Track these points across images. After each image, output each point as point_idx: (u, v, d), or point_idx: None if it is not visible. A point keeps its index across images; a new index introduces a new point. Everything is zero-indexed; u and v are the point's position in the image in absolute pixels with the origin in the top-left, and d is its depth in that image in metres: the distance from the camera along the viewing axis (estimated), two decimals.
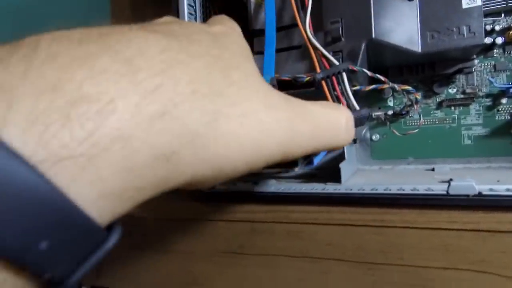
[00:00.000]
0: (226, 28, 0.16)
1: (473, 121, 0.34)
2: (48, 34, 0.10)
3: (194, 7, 0.32)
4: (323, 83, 0.25)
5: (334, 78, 0.25)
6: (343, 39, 0.27)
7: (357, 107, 0.24)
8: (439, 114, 0.36)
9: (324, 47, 0.28)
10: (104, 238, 0.10)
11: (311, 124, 0.15)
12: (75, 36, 0.10)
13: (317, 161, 0.21)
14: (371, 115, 0.23)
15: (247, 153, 0.12)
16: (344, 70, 0.24)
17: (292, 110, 0.15)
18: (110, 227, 0.10)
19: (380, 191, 0.25)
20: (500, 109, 0.33)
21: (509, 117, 0.33)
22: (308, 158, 0.21)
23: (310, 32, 0.26)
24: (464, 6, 0.28)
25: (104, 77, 0.09)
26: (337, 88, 0.25)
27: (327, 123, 0.16)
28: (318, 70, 0.26)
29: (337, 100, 0.24)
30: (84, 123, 0.08)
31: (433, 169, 0.35)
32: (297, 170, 0.19)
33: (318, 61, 0.26)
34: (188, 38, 0.13)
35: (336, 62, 0.25)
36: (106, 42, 0.10)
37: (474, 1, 0.28)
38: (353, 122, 0.19)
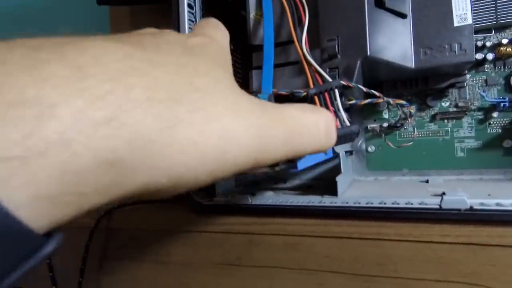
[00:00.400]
0: (206, 40, 0.16)
1: (465, 134, 0.35)
2: (11, 41, 0.10)
3: (194, 22, 0.33)
4: (316, 98, 0.25)
5: (326, 94, 0.25)
6: (339, 56, 0.28)
7: (348, 123, 0.24)
8: (433, 126, 0.36)
9: (320, 63, 0.29)
10: (41, 244, 0.10)
11: (285, 129, 0.15)
12: (33, 43, 0.10)
13: (302, 166, 0.21)
14: (360, 131, 0.24)
15: (209, 161, 0.12)
16: (336, 87, 0.25)
17: (264, 116, 0.14)
18: (50, 234, 0.10)
19: (376, 204, 0.26)
20: (491, 123, 0.34)
21: (500, 130, 0.34)
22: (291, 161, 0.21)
23: (306, 49, 0.27)
24: (456, 24, 0.29)
25: (50, 82, 0.09)
26: (329, 103, 0.25)
27: (304, 127, 0.16)
28: (311, 85, 0.26)
29: None
30: (20, 126, 0.08)
31: (427, 181, 0.36)
32: (278, 169, 0.19)
33: (312, 77, 0.26)
34: (156, 48, 0.13)
35: (329, 79, 0.26)
36: (61, 50, 0.10)
37: (465, 20, 0.29)
38: (334, 125, 0.19)
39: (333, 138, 0.18)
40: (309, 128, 0.16)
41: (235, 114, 0.13)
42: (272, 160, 0.15)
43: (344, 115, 0.25)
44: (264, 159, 0.14)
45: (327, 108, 0.25)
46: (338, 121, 0.24)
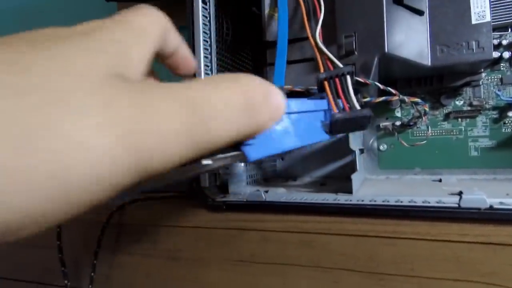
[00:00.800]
0: (97, 24, 0.12)
1: (479, 133, 0.35)
2: None
3: (209, 18, 0.32)
4: (326, 84, 0.24)
5: (337, 80, 0.24)
6: (356, 52, 0.27)
7: (358, 107, 0.23)
8: (446, 125, 0.36)
9: (337, 59, 0.29)
10: None
11: (187, 116, 0.11)
12: None
13: (256, 156, 0.15)
14: (372, 116, 0.22)
15: (52, 191, 0.09)
16: (348, 73, 0.24)
17: (146, 105, 0.10)
18: None
19: (392, 202, 0.26)
20: (506, 122, 0.34)
21: None
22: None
23: (320, 40, 0.26)
24: (474, 21, 0.29)
25: None
26: (340, 89, 0.24)
27: (213, 108, 0.12)
28: (322, 71, 0.25)
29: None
30: None
31: (440, 180, 0.35)
32: (205, 162, 0.13)
33: (323, 65, 0.26)
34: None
35: (341, 65, 0.25)
36: None
37: (483, 17, 0.29)
38: (269, 92, 0.14)
39: (270, 111, 0.13)
40: (220, 108, 0.12)
41: (93, 128, 0.09)
42: (172, 162, 0.11)
43: (354, 99, 0.23)
44: (157, 165, 0.11)
45: (338, 94, 0.24)
46: (348, 106, 0.23)
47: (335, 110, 0.23)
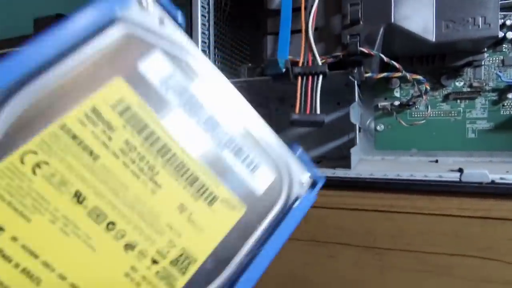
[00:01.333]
0: None
1: (478, 115, 0.35)
2: None
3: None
4: (299, 78, 0.26)
5: (310, 77, 0.26)
6: (361, 22, 0.26)
7: (318, 111, 0.26)
8: (445, 106, 0.36)
9: (341, 30, 0.28)
10: None
11: None
12: None
13: None
14: (324, 122, 0.25)
15: None
16: (321, 72, 0.26)
17: None
18: None
19: (391, 176, 0.25)
20: (505, 104, 0.34)
21: None
22: None
23: (312, 22, 0.26)
24: None
25: None
26: (309, 87, 0.26)
27: None
28: (300, 64, 0.27)
29: (304, 98, 0.26)
30: None
31: (436, 161, 0.35)
32: None
33: (304, 54, 0.27)
34: None
35: (319, 61, 0.26)
36: None
37: None
38: None
39: None
40: None
41: None
42: None
43: (318, 103, 0.26)
44: None
45: (306, 91, 0.26)
46: (309, 107, 0.26)
47: (297, 111, 0.26)
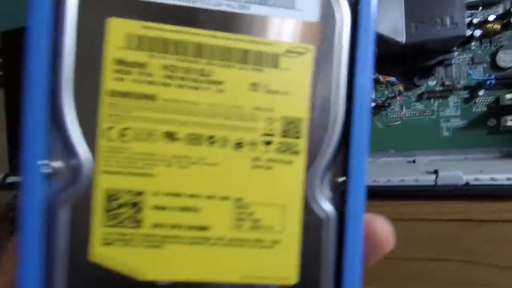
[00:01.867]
0: None
1: (451, 113, 0.35)
2: None
3: None
4: None
5: None
6: None
7: None
8: (419, 106, 0.36)
9: None
10: None
11: None
12: None
13: None
14: None
15: None
16: None
17: None
18: None
19: (369, 183, 0.25)
20: (477, 101, 0.34)
21: (485, 109, 0.34)
22: None
23: None
24: None
25: None
26: None
27: None
28: None
29: None
30: None
31: (414, 161, 0.35)
32: None
33: None
34: None
35: None
36: None
37: None
38: None
39: None
40: None
41: None
42: None
43: None
44: None
45: None
46: None
47: None
